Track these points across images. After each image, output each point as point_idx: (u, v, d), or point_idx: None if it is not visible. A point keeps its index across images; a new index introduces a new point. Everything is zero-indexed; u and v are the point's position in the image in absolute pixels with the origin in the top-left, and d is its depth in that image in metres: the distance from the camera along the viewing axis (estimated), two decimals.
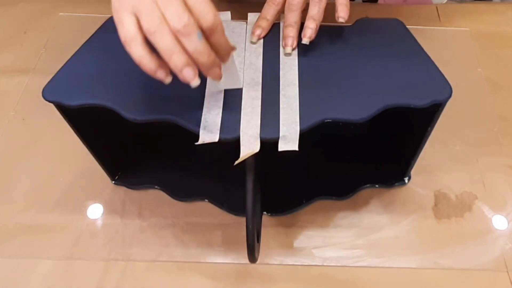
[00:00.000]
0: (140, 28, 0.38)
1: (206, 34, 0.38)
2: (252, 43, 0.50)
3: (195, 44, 0.38)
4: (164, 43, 0.37)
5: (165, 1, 0.37)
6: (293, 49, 0.49)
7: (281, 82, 0.46)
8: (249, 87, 0.45)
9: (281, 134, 0.42)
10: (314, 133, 0.43)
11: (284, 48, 0.49)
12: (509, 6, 0.78)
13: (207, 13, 0.38)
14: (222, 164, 0.48)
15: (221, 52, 0.40)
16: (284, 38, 0.50)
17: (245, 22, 0.52)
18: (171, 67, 0.39)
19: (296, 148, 0.41)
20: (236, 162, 0.41)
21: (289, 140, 0.41)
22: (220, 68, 0.41)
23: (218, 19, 0.38)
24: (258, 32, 0.50)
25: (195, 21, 0.37)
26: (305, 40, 0.48)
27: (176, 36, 0.37)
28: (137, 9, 0.38)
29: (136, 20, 0.38)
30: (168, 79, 0.39)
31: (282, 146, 0.41)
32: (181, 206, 0.57)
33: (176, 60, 0.38)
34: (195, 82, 0.39)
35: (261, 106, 0.44)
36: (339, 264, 0.53)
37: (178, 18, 0.37)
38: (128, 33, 0.38)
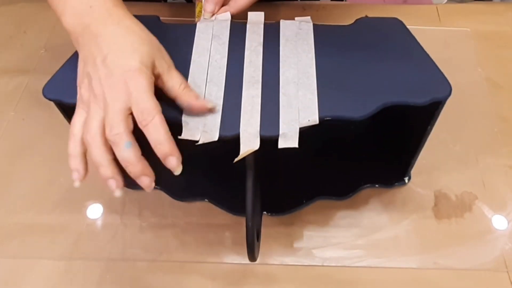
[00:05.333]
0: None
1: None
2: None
3: (122, 153, 0.39)
4: (94, 155, 0.40)
5: (108, 104, 0.39)
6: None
7: (281, 80, 0.46)
8: (249, 85, 0.45)
9: (280, 132, 0.42)
10: (314, 133, 0.43)
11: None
12: (509, 6, 0.78)
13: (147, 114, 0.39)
14: (222, 164, 0.48)
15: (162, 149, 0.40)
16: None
17: (245, 22, 0.52)
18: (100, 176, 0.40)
19: (296, 145, 0.41)
20: (236, 160, 0.41)
21: (289, 137, 0.41)
22: (150, 176, 0.41)
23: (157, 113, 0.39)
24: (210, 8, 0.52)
25: (127, 129, 0.39)
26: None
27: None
28: (87, 110, 0.41)
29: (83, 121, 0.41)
30: (117, 193, 0.41)
31: (282, 144, 0.41)
32: (181, 206, 0.57)
33: (103, 172, 0.40)
34: (116, 193, 0.41)
35: (261, 104, 0.44)
36: (339, 264, 0.53)
37: (111, 127, 0.39)
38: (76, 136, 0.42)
